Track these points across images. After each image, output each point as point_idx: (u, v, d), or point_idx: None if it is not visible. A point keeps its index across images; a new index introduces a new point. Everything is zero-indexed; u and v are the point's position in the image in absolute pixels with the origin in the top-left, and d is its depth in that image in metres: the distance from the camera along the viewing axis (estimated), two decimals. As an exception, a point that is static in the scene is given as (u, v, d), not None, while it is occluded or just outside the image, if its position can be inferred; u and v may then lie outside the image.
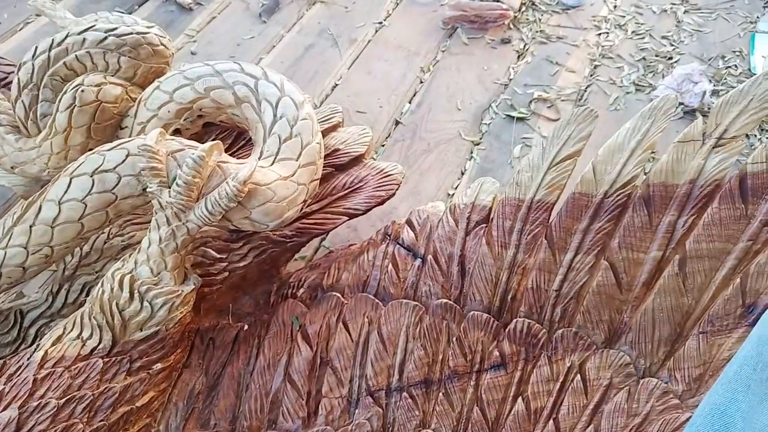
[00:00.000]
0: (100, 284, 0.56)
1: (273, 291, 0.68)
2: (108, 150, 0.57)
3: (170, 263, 0.55)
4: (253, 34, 1.16)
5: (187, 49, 1.13)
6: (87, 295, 0.66)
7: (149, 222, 0.68)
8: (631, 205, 0.56)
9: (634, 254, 0.55)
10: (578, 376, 0.56)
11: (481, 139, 0.98)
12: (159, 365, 0.58)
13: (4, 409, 0.50)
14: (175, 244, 0.55)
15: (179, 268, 0.56)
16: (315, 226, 0.67)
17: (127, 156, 0.56)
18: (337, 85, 1.07)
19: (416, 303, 0.61)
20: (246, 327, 0.65)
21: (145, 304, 0.55)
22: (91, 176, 0.56)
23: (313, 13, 1.21)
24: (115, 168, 0.56)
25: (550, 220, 0.58)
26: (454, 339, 0.60)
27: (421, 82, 1.07)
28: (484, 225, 0.64)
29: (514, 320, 0.59)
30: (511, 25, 1.17)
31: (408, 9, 1.22)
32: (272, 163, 0.58)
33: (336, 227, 0.68)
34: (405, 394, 0.59)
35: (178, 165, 0.55)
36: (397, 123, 1.00)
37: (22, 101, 0.69)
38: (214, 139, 0.63)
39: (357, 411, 0.59)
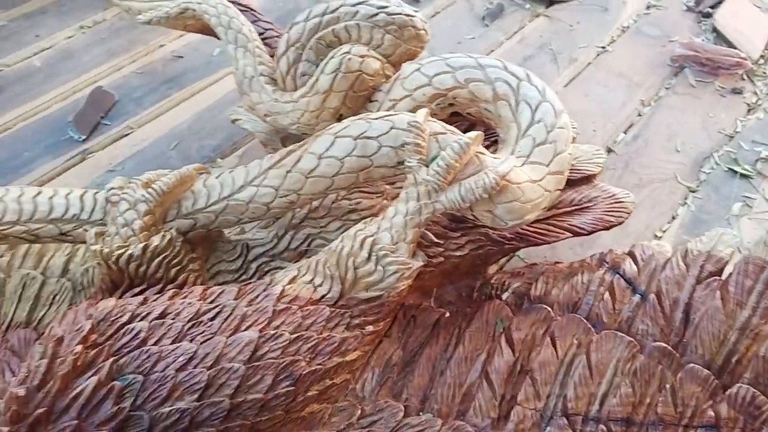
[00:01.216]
0: (339, 239, 0.60)
1: (476, 287, 0.69)
2: (374, 119, 0.60)
3: (410, 236, 0.57)
4: (474, 36, 1.18)
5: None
6: (308, 245, 0.71)
7: (375, 192, 0.72)
8: None
9: None
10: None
11: (698, 186, 0.93)
12: (371, 327, 0.60)
13: (246, 329, 0.55)
14: (419, 219, 0.57)
15: (414, 243, 0.58)
16: (536, 235, 0.67)
17: (391, 128, 0.58)
18: (550, 100, 1.06)
19: (631, 339, 0.59)
20: (447, 314, 0.66)
21: (379, 267, 0.57)
22: (355, 140, 0.59)
23: (535, 25, 1.21)
24: (378, 137, 0.59)
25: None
26: (667, 386, 0.57)
27: (640, 115, 1.04)
28: (717, 278, 0.61)
29: (737, 385, 0.56)
30: (746, 76, 1.10)
31: (634, 38, 1.18)
32: (522, 164, 0.58)
33: (558, 241, 0.68)
34: (602, 426, 0.57)
35: (439, 147, 0.57)
36: (609, 151, 0.97)
37: (287, 57, 0.74)
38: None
39: (549, 428, 0.58)
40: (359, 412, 0.60)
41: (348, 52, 0.69)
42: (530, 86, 0.62)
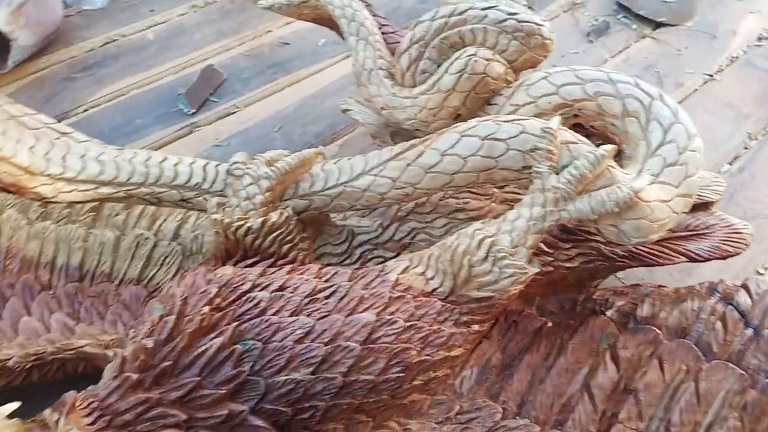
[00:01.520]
0: (455, 236, 0.60)
1: (579, 301, 0.69)
2: (504, 121, 0.60)
3: (530, 241, 0.58)
4: (578, 51, 1.18)
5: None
6: (412, 238, 0.72)
7: (484, 194, 0.73)
8: None
9: None
10: None
11: (805, 227, 0.90)
12: (476, 327, 0.61)
13: (364, 311, 0.56)
14: (542, 226, 0.57)
15: (533, 249, 0.59)
16: (650, 256, 0.67)
17: (521, 132, 0.59)
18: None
19: (743, 372, 0.58)
20: (550, 324, 0.66)
21: (495, 268, 0.58)
22: (482, 140, 0.60)
23: (641, 46, 1.19)
24: (506, 139, 0.59)
25: None
26: (779, 423, 0.56)
27: (746, 148, 1.01)
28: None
29: None
30: None
31: (744, 69, 1.16)
32: (650, 183, 0.58)
33: (671, 264, 0.67)
34: (705, 455, 0.56)
35: (571, 155, 0.57)
36: (713, 180, 0.96)
37: (410, 53, 0.76)
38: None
39: (648, 449, 0.58)
40: (457, 407, 0.61)
41: (474, 54, 0.69)
42: (663, 106, 0.61)
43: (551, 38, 0.71)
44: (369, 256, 0.73)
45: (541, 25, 0.70)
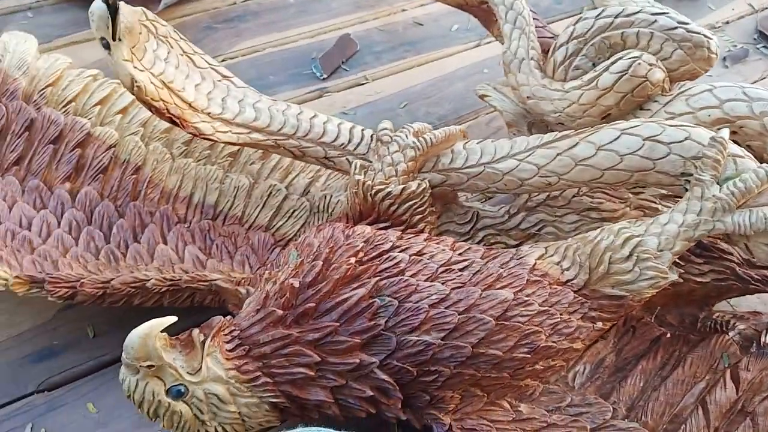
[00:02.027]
0: (598, 231, 0.61)
1: (700, 318, 0.68)
2: (669, 125, 0.60)
3: (677, 247, 0.57)
4: (712, 74, 1.14)
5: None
6: (539, 230, 0.73)
7: (619, 197, 0.73)
8: None
9: None
10: None
11: None
12: (600, 324, 0.61)
13: (501, 288, 0.57)
14: (693, 234, 0.57)
15: (677, 256, 0.58)
16: (786, 284, 0.65)
17: (687, 139, 0.59)
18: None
19: None
20: (668, 335, 0.66)
21: (636, 269, 0.58)
22: (644, 140, 0.60)
23: (778, 78, 1.15)
24: (669, 143, 0.59)
25: None
26: None
27: None
28: None
29: None
30: None
31: None
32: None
33: (809, 296, 0.65)
34: (823, 492, 0.55)
35: (736, 168, 0.56)
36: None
37: (567, 48, 0.76)
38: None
39: (760, 476, 0.57)
40: (569, 399, 0.61)
41: (639, 57, 0.69)
42: (835, 134, 0.60)
43: (717, 53, 0.70)
44: (491, 241, 0.74)
45: (710, 39, 0.69)
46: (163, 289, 0.67)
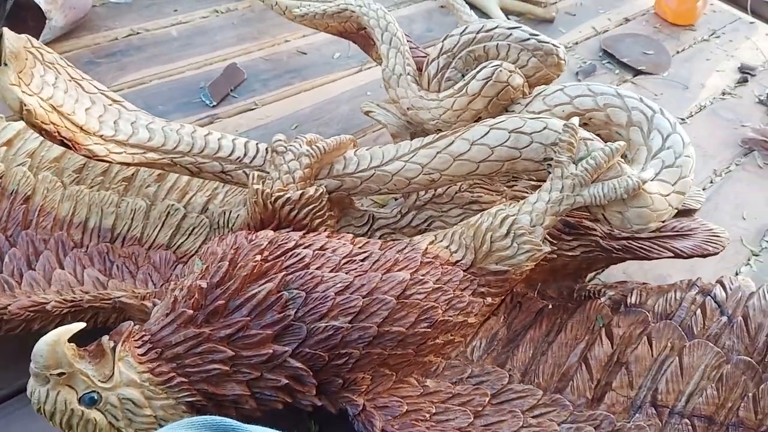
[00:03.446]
0: (479, 216, 0.68)
1: (576, 288, 0.76)
2: (529, 118, 0.69)
3: (547, 222, 0.65)
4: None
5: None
6: (428, 225, 0.79)
7: (495, 190, 0.81)
8: None
9: None
10: None
11: (760, 251, 1.01)
12: (489, 299, 0.68)
13: (399, 270, 0.62)
14: (558, 208, 0.65)
15: (548, 230, 0.66)
16: (641, 250, 0.75)
17: (545, 128, 0.67)
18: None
19: (719, 350, 0.67)
20: (550, 306, 0.74)
21: (514, 244, 0.65)
22: (510, 132, 0.68)
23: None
24: (531, 133, 0.68)
25: None
26: (750, 395, 0.64)
27: (712, 182, 1.13)
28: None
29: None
30: (810, 167, 1.20)
31: (711, 117, 1.29)
32: (652, 179, 0.67)
33: (659, 259, 0.76)
34: (686, 420, 0.64)
35: (587, 149, 0.66)
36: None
37: (438, 62, 0.84)
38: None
39: (637, 415, 0.65)
40: (469, 371, 0.67)
41: (500, 65, 0.78)
42: (663, 119, 0.71)
43: (565, 59, 0.81)
44: (388, 239, 0.79)
45: (557, 47, 0.80)
46: (64, 311, 0.66)
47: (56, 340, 0.51)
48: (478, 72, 0.80)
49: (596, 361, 0.68)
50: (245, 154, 0.75)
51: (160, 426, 0.56)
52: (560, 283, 0.76)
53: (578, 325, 0.71)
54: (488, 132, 0.69)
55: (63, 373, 0.51)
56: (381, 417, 0.60)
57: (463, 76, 0.84)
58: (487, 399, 0.64)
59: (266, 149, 0.76)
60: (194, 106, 1.07)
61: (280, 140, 0.74)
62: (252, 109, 1.09)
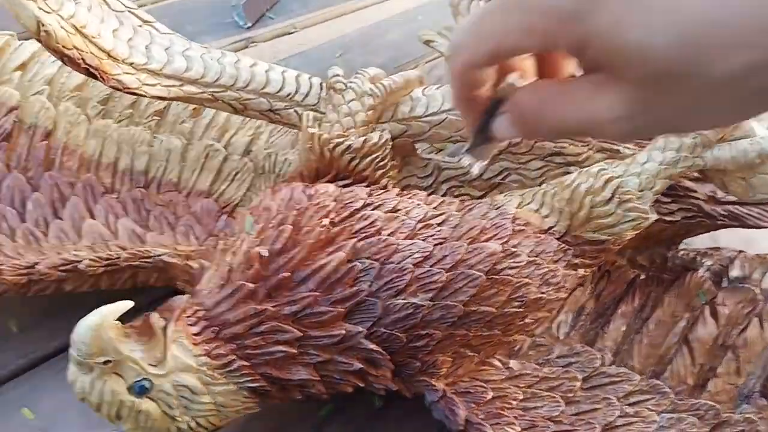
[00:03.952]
0: (576, 174, 0.58)
1: (668, 257, 0.68)
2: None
3: (658, 186, 0.56)
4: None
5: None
6: (503, 179, 0.69)
7: (580, 140, 0.70)
8: None
9: None
10: None
11: None
12: (582, 271, 0.59)
13: (487, 240, 0.53)
14: (673, 171, 0.56)
15: (658, 195, 0.57)
16: (749, 217, 0.66)
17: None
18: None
19: (842, 336, 0.59)
20: (643, 276, 0.65)
21: (618, 211, 0.56)
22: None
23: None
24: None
25: None
26: None
27: None
28: None
29: None
30: None
31: None
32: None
33: (760, 228, 0.67)
34: (803, 414, 0.57)
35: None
36: None
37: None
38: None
39: (745, 405, 0.58)
40: (557, 351, 0.59)
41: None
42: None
43: None
44: (456, 193, 0.70)
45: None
46: (99, 271, 0.58)
47: (100, 324, 0.43)
48: None
49: (699, 343, 0.60)
50: (297, 91, 0.65)
51: (219, 412, 0.49)
52: (652, 250, 0.68)
53: (676, 300, 0.63)
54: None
55: (109, 361, 0.43)
56: (464, 405, 0.53)
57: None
58: (578, 384, 0.57)
59: (321, 85, 0.65)
60: (227, 27, 0.95)
61: (338, 75, 0.63)
62: (290, 33, 0.97)
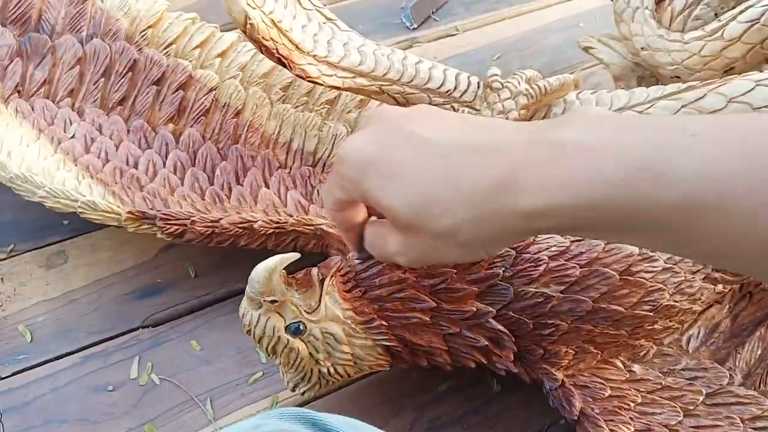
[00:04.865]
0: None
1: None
2: (811, 78, 0.56)
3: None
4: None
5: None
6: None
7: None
8: None
9: None
10: None
11: None
12: (721, 287, 0.59)
13: (625, 244, 0.55)
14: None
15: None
16: None
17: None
18: None
19: None
20: (787, 302, 0.63)
21: None
22: (783, 92, 0.56)
23: None
24: (814, 98, 0.55)
25: None
26: None
27: None
28: None
29: None
30: None
31: None
32: None
33: None
34: None
35: None
36: None
37: (689, -4, 0.72)
38: None
39: None
40: (683, 363, 0.59)
41: (774, 6, 0.65)
42: None
43: None
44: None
45: None
46: (269, 231, 0.67)
47: (273, 268, 0.51)
48: (741, 12, 0.66)
49: (844, 379, 0.57)
50: (455, 88, 0.70)
51: (355, 363, 0.56)
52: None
53: (824, 332, 0.60)
54: (753, 88, 0.58)
55: (275, 301, 0.52)
56: (580, 397, 0.55)
57: (716, 15, 0.71)
58: (701, 398, 0.57)
59: (478, 84, 0.70)
60: (394, 28, 1.03)
61: (496, 75, 0.68)
62: (452, 35, 1.02)
